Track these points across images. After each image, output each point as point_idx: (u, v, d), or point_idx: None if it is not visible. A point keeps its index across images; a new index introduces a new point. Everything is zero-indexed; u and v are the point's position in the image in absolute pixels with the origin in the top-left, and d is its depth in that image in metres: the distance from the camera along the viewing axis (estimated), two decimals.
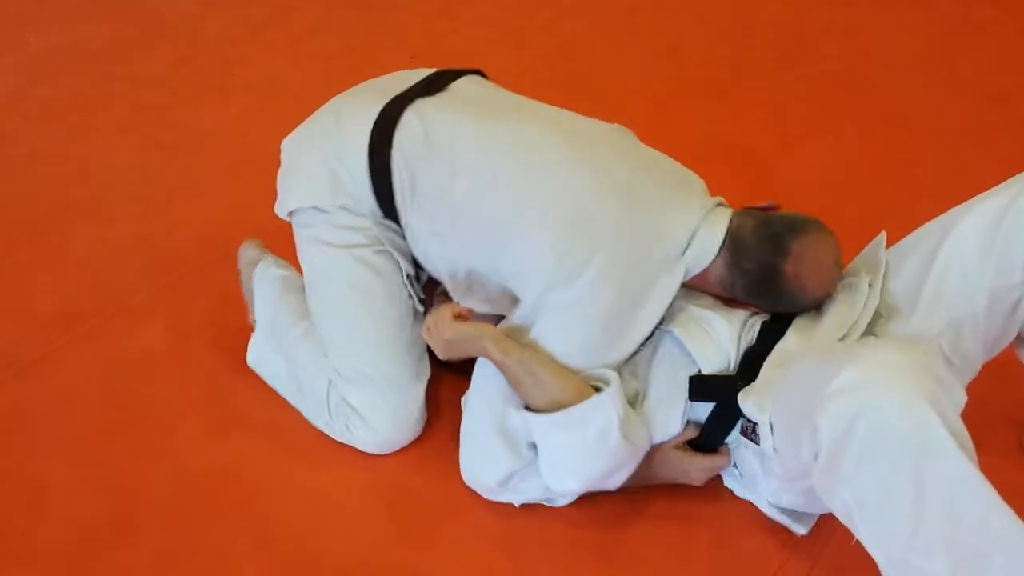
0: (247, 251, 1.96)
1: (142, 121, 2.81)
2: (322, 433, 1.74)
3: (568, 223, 1.51)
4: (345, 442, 1.70)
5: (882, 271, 1.51)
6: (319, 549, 1.56)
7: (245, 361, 1.85)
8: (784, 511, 1.52)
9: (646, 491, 1.58)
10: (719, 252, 1.51)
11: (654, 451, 1.54)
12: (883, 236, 1.57)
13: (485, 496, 1.59)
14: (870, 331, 1.50)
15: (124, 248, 2.27)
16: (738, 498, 1.58)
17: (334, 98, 1.74)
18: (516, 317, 1.56)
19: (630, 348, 1.54)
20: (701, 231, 1.52)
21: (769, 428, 1.40)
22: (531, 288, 1.54)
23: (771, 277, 1.49)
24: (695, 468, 1.54)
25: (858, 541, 1.24)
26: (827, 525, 1.50)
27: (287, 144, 1.74)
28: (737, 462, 1.55)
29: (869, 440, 1.16)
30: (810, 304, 1.54)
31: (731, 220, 1.53)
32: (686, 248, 1.51)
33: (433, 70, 1.71)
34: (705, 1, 3.43)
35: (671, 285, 1.51)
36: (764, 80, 2.91)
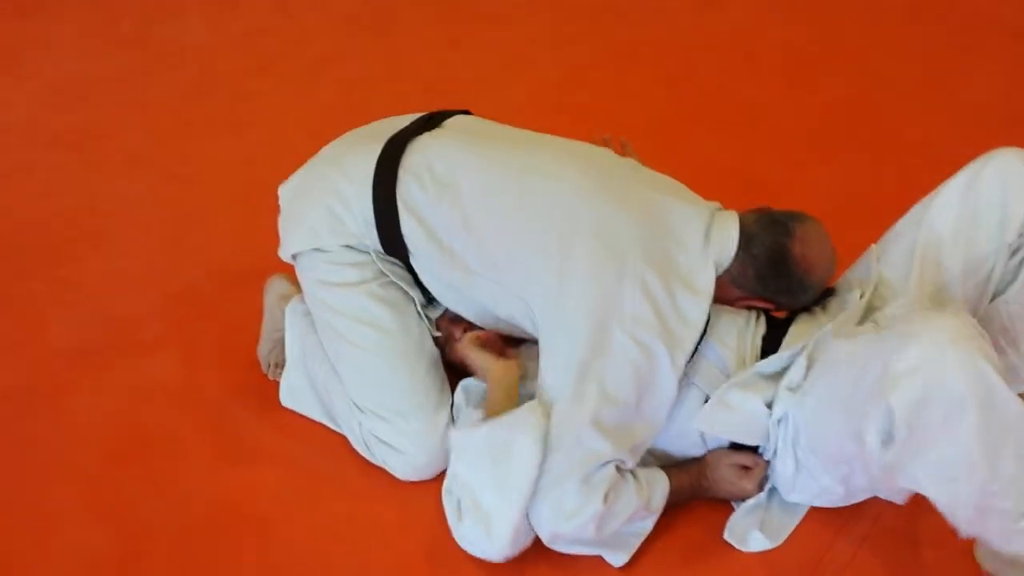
0: (278, 285, 1.93)
1: (155, 152, 2.84)
2: (330, 465, 1.76)
3: (593, 246, 1.53)
4: (391, 472, 1.71)
5: (873, 284, 1.61)
6: None
7: (256, 394, 1.86)
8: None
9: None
10: (739, 245, 1.56)
11: (708, 469, 1.62)
12: (873, 249, 1.66)
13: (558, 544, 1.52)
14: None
15: (136, 280, 2.28)
16: None
17: (327, 146, 1.77)
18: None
19: (681, 361, 1.52)
20: (715, 227, 1.57)
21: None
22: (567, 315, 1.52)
23: (780, 258, 1.57)
24: (748, 482, 1.60)
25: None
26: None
27: (284, 190, 1.77)
28: (771, 469, 1.62)
29: (944, 412, 1.25)
30: (815, 289, 1.61)
31: (737, 216, 1.61)
32: (706, 245, 1.56)
33: (423, 113, 1.75)
34: (709, 28, 3.45)
35: (707, 280, 1.54)
36: (770, 106, 2.92)
